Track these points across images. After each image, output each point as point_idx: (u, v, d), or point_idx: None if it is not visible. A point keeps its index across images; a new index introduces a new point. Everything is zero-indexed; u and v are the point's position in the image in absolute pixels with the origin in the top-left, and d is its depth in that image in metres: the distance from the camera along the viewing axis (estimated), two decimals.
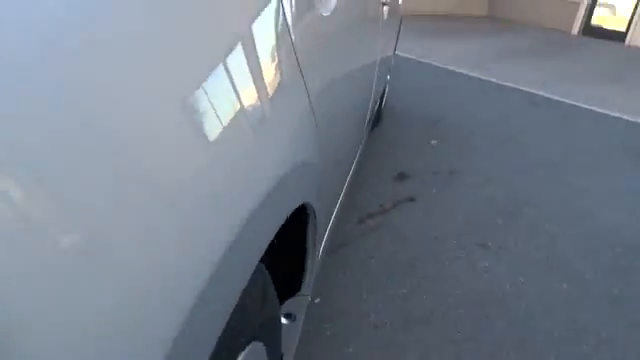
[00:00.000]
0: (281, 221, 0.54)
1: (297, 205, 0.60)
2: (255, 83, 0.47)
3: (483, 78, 4.98)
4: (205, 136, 0.38)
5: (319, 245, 1.06)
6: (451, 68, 5.21)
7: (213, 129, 0.39)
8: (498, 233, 2.02)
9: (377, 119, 2.96)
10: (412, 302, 1.55)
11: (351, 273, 1.65)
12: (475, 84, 4.74)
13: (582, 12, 11.15)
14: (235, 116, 0.42)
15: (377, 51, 1.60)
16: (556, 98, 4.54)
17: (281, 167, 0.52)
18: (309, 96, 0.64)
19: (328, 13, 0.73)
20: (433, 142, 2.97)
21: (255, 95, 0.47)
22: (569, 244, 2.01)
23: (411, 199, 2.22)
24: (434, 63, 5.33)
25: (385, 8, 1.67)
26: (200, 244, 0.37)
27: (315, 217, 0.74)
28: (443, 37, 7.53)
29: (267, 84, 0.50)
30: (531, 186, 2.52)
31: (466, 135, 3.19)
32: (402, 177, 2.44)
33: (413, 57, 5.39)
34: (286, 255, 0.83)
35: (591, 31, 10.92)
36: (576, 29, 11.29)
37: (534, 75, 5.43)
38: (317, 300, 1.48)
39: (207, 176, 0.38)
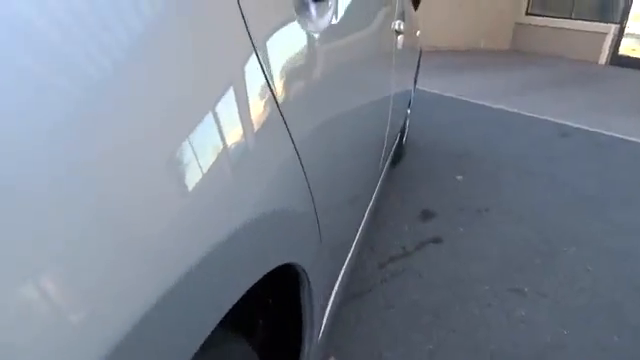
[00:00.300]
0: (245, 285, 0.42)
1: (275, 265, 0.47)
2: (209, 123, 0.36)
3: (509, 110, 4.82)
4: (151, 183, 0.30)
5: (326, 303, 0.92)
6: (475, 101, 5.08)
7: (161, 177, 0.31)
8: (535, 276, 1.83)
9: (398, 155, 2.83)
10: (439, 359, 1.37)
11: (369, 325, 1.48)
12: (500, 116, 4.58)
13: (609, 42, 10.97)
14: (190, 163, 0.34)
15: (391, 83, 1.48)
16: (587, 128, 4.34)
17: (244, 220, 0.40)
18: (292, 137, 0.52)
19: (317, 34, 0.61)
20: (458, 177, 2.81)
21: (211, 137, 0.36)
22: (615, 288, 1.80)
23: (436, 240, 2.05)
24: (457, 96, 5.21)
25: (400, 37, 1.56)
26: (128, 297, 0.28)
27: (309, 280, 0.60)
28: (465, 71, 7.44)
29: (229, 124, 0.39)
30: (567, 223, 2.33)
31: (493, 169, 3.02)
32: (426, 216, 2.28)
33: (435, 91, 5.28)
34: (285, 317, 0.70)
35: (619, 61, 10.70)
36: (603, 59, 11.09)
37: (562, 106, 5.25)
38: (330, 359, 1.32)
39: (154, 222, 0.30)
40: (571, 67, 9.62)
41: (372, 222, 2.04)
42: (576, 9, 11.84)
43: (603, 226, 2.33)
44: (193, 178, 0.33)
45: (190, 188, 0.33)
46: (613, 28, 10.87)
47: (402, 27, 1.49)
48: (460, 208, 2.39)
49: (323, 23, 0.64)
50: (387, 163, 1.98)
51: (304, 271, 0.58)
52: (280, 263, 0.49)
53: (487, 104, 4.99)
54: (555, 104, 5.34)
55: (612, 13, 11.15)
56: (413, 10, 2.16)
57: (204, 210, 0.34)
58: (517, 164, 3.16)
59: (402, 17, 1.55)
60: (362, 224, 1.40)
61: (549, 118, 4.62)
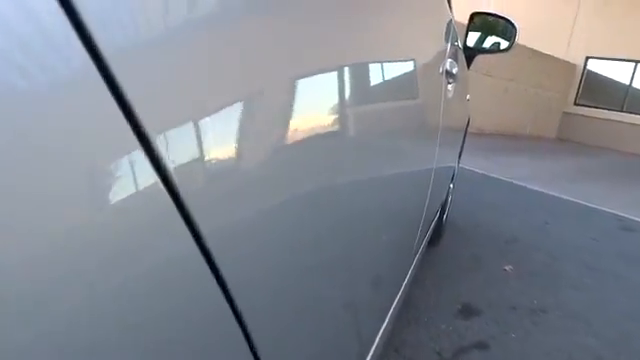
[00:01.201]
0: None
1: None
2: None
3: (560, 196, 4.38)
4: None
5: None
6: (523, 184, 4.67)
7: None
8: None
9: (438, 234, 2.44)
10: None
11: None
12: (552, 202, 4.15)
13: None
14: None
15: (435, 142, 1.14)
16: None
17: None
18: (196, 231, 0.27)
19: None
20: (507, 267, 2.38)
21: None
22: None
23: (481, 345, 1.61)
24: (504, 178, 4.82)
25: (450, 86, 1.24)
26: None
27: None
28: (512, 154, 7.09)
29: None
30: None
31: (548, 262, 2.57)
32: (468, 312, 1.85)
33: (480, 171, 4.91)
34: None
35: None
36: None
37: (620, 198, 4.79)
38: None
39: None
40: (624, 159, 9.13)
41: (401, 314, 1.63)
42: (628, 102, 11.52)
43: None
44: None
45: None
46: None
47: (454, 70, 1.18)
48: (511, 306, 1.94)
49: None
50: (424, 244, 1.61)
51: None
52: None
53: (536, 188, 4.58)
54: (611, 195, 4.87)
55: None
56: (465, 65, 1.86)
57: None
58: (576, 257, 2.70)
59: (455, 57, 1.24)
60: (387, 318, 1.03)
61: (606, 209, 4.16)
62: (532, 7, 11.59)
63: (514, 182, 4.72)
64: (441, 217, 2.35)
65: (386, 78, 0.62)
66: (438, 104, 1.07)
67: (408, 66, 0.76)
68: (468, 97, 2.23)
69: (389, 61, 0.64)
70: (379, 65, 0.59)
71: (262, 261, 0.34)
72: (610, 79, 11.90)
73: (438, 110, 1.08)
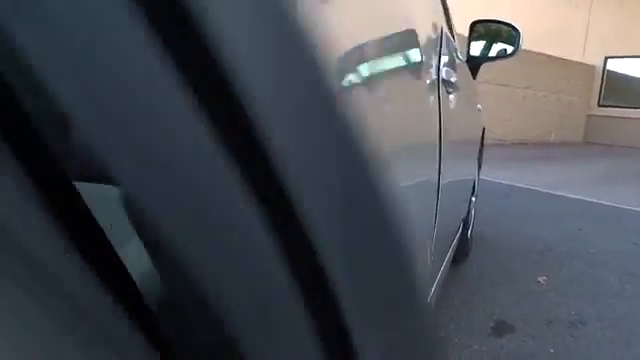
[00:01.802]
0: None
1: None
2: None
3: (593, 201, 4.22)
4: None
5: None
6: (551, 192, 4.53)
7: None
8: None
9: (463, 251, 2.35)
10: None
11: None
12: (585, 208, 3.99)
13: None
14: None
15: (435, 160, 1.07)
16: None
17: None
18: None
19: None
20: (541, 279, 2.27)
21: None
22: None
23: None
24: (530, 187, 4.69)
25: (452, 96, 1.20)
26: None
27: None
28: (538, 162, 6.93)
29: None
30: None
31: (585, 270, 2.45)
32: (502, 329, 1.76)
33: (506, 181, 4.79)
34: None
35: None
36: None
37: None
38: None
39: None
40: None
41: None
42: None
43: None
44: None
45: None
46: None
47: (453, 78, 1.14)
48: (547, 320, 1.84)
49: None
50: (444, 264, 1.54)
51: None
52: None
53: (566, 195, 4.43)
54: None
55: None
56: (470, 75, 1.82)
57: None
58: (616, 263, 2.57)
59: (452, 66, 1.20)
60: None
61: None
62: (541, 15, 11.48)
63: (542, 190, 4.59)
64: (464, 233, 2.27)
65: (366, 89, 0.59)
66: (433, 115, 1.02)
67: (392, 79, 0.72)
68: (479, 107, 2.18)
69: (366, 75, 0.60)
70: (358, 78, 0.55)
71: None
72: (632, 77, 11.63)
73: (434, 121, 1.03)
